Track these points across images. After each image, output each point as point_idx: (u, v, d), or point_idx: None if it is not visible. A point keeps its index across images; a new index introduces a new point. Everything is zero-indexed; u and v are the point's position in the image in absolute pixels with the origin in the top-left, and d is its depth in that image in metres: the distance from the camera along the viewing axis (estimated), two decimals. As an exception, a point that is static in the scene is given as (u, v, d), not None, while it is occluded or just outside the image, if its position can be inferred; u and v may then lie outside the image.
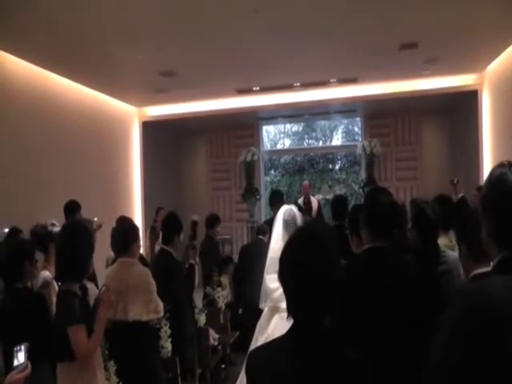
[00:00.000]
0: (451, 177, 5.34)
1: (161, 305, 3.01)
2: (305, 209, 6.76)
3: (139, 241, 3.13)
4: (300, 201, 7.51)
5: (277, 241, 3.13)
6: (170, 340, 3.36)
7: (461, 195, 4.74)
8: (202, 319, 4.26)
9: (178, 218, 3.76)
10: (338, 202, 4.11)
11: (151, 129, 8.59)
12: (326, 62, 6.25)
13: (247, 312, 4.73)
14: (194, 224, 4.43)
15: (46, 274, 3.35)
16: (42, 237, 3.49)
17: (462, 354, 0.87)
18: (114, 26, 4.74)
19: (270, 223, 5.17)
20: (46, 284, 3.29)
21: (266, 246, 4.58)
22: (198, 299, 4.94)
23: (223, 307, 4.98)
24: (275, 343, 1.26)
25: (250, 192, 8.93)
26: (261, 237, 5.08)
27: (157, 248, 4.28)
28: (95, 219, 4.77)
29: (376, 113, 8.83)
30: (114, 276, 2.98)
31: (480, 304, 0.89)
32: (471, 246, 1.74)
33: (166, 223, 3.76)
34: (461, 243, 1.84)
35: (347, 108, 8.55)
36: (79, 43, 5.11)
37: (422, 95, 7.50)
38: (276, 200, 4.79)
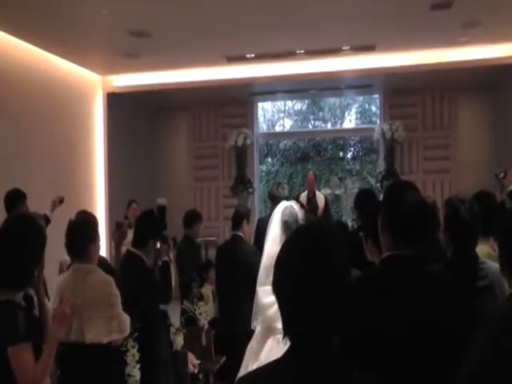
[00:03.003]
0: (495, 169, 5.36)
1: (127, 322, 3.00)
2: (309, 206, 6.76)
3: (98, 240, 3.12)
4: (303, 196, 7.52)
5: (272, 245, 3.14)
6: (138, 366, 3.34)
7: (510, 191, 4.73)
8: (178, 341, 4.25)
9: (156, 218, 3.78)
10: (366, 197, 4.10)
11: (118, 103, 8.54)
12: (338, 23, 6.22)
13: (229, 334, 4.72)
14: (162, 210, 4.42)
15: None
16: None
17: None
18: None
19: (264, 223, 5.15)
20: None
21: (244, 247, 4.64)
22: (175, 316, 4.91)
23: (206, 326, 4.97)
24: (270, 368, 1.26)
25: (242, 184, 8.94)
26: (237, 232, 4.82)
27: (123, 250, 4.26)
28: (48, 212, 4.76)
29: (399, 89, 8.85)
30: (67, 286, 2.97)
31: None
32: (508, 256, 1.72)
33: (140, 223, 3.79)
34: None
35: (363, 82, 8.56)
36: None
37: (457, 68, 7.52)
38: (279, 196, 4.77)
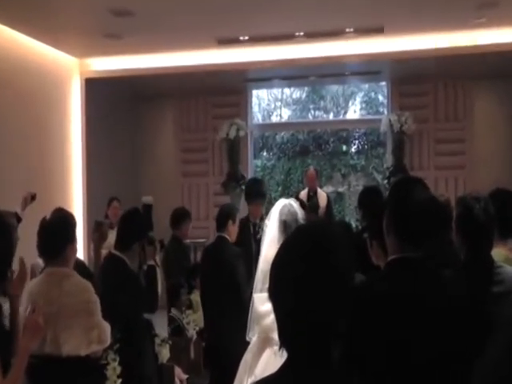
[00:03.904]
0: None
1: (107, 332, 3.01)
2: (309, 205, 6.77)
3: (75, 241, 3.12)
4: (303, 194, 7.53)
5: (270, 248, 3.16)
6: (119, 381, 3.33)
7: None
8: (164, 353, 4.25)
9: (142, 218, 3.80)
10: (371, 195, 4.11)
11: (97, 89, 8.52)
12: (342, 2, 6.23)
13: (214, 346, 4.75)
14: (148, 209, 4.43)
15: None
16: None
17: None
18: None
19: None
20: None
21: (229, 249, 4.66)
22: (161, 326, 4.92)
23: (194, 336, 5.00)
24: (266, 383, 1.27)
25: (234, 180, 8.94)
26: (222, 234, 4.79)
27: (104, 253, 4.27)
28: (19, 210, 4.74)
29: (408, 76, 8.86)
30: (39, 292, 2.96)
31: None
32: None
33: (123, 223, 3.81)
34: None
35: (369, 68, 8.58)
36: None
37: (473, 53, 7.54)
38: (255, 192, 4.84)
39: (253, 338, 3.14)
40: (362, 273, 2.01)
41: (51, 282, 3.00)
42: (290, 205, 3.28)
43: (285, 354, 1.25)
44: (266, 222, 3.37)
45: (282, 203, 3.31)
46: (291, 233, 1.36)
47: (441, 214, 2.47)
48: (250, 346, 3.14)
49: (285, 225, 3.17)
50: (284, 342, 1.24)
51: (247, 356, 3.13)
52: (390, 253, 1.89)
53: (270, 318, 2.91)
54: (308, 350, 1.21)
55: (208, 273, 4.82)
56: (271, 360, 2.89)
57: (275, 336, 2.88)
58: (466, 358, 1.71)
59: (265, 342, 3.02)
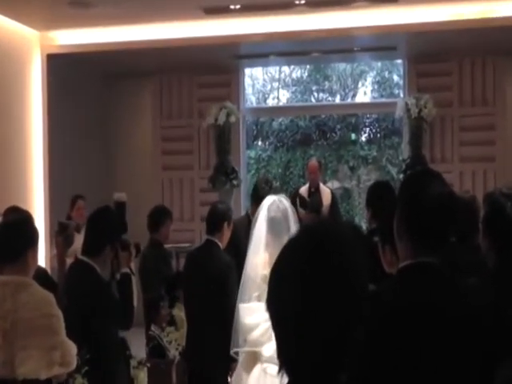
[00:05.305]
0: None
1: (73, 352, 3.00)
2: (311, 202, 6.78)
3: (37, 246, 3.11)
4: (303, 190, 7.54)
5: (257, 251, 3.19)
6: (87, 411, 3.35)
7: None
8: (141, 377, 4.29)
9: (115, 217, 3.82)
10: (382, 192, 4.12)
11: (62, 66, 8.50)
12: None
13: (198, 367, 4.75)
14: (121, 207, 4.43)
15: None
16: None
17: None
18: None
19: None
20: None
21: (219, 258, 4.63)
22: (138, 345, 4.92)
23: (177, 358, 5.00)
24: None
25: (224, 174, 8.94)
26: (213, 238, 4.78)
27: (69, 261, 4.27)
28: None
29: (428, 52, 8.87)
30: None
31: None
32: None
33: (93, 224, 3.81)
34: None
35: (382, 43, 8.59)
36: None
37: (504, 25, 7.53)
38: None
39: (240, 353, 3.16)
40: (372, 282, 2.01)
41: (5, 294, 2.98)
42: (280, 201, 3.33)
43: (285, 377, 1.25)
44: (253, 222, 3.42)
45: (270, 199, 3.36)
46: (293, 236, 1.35)
47: (463, 212, 2.47)
48: (239, 364, 3.17)
49: (273, 222, 3.21)
50: (285, 363, 1.24)
51: (235, 377, 3.15)
52: (402, 258, 1.90)
53: (258, 331, 2.93)
54: (312, 371, 1.21)
55: (192, 283, 4.81)
56: (261, 379, 2.91)
57: (264, 351, 2.92)
58: (488, 371, 1.72)
59: (254, 358, 3.04)
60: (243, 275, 3.22)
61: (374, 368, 1.70)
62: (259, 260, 3.08)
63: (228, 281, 4.47)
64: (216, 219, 4.77)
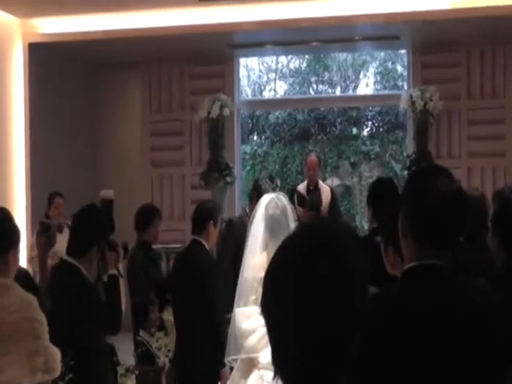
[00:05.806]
0: None
1: (57, 358, 2.98)
2: (310, 200, 6.79)
3: (18, 246, 3.09)
4: (302, 187, 7.55)
5: (254, 252, 3.24)
6: (71, 421, 3.35)
7: None
8: (129, 384, 4.27)
9: (102, 216, 3.84)
10: (384, 189, 4.13)
11: (44, 56, 8.50)
12: None
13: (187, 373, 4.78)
14: (108, 206, 4.43)
15: None
16: None
17: None
18: None
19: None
20: None
21: (204, 258, 4.67)
22: (126, 351, 4.93)
23: (167, 365, 4.99)
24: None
25: (217, 170, 8.96)
26: (198, 238, 4.82)
27: (50, 263, 4.27)
28: None
29: (434, 42, 8.90)
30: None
31: None
32: None
33: (79, 223, 3.83)
34: None
35: (385, 32, 8.60)
36: None
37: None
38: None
39: (234, 360, 3.19)
40: (375, 285, 2.02)
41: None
42: (278, 198, 3.37)
43: (280, 383, 1.25)
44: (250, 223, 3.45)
45: (268, 197, 3.41)
46: (289, 235, 1.35)
47: (472, 210, 2.47)
48: (234, 372, 3.19)
49: (272, 219, 3.25)
50: (279, 369, 1.24)
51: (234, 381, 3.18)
52: (407, 259, 1.90)
53: (255, 337, 2.96)
54: (308, 379, 1.21)
55: (179, 286, 4.86)
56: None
57: (260, 357, 2.94)
58: (499, 375, 1.74)
59: (251, 365, 3.07)
60: (240, 277, 3.24)
61: (377, 372, 1.70)
62: (257, 261, 3.10)
63: (210, 282, 4.52)
64: (200, 218, 4.82)
